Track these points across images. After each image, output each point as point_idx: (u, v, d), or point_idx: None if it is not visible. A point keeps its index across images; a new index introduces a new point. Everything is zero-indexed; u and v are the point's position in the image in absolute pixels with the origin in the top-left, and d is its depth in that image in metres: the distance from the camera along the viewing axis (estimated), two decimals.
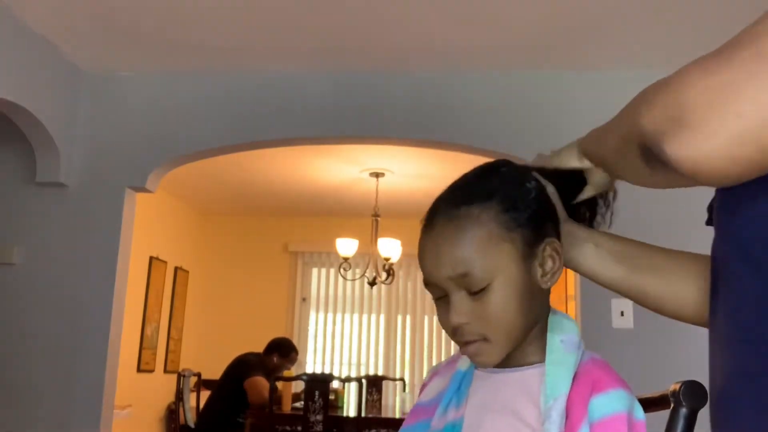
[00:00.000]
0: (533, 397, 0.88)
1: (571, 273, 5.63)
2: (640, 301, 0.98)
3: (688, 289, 0.92)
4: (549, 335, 0.92)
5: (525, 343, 0.92)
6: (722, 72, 0.58)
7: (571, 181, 0.99)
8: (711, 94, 0.58)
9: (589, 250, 0.98)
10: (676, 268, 0.95)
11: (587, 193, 1.00)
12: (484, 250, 0.87)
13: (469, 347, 0.90)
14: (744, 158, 0.58)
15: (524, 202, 0.91)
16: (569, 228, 0.99)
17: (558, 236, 0.95)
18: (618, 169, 0.81)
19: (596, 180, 0.98)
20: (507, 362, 0.92)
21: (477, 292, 0.88)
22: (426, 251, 0.91)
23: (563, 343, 0.90)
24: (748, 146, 0.57)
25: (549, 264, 0.91)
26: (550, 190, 0.98)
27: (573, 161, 0.97)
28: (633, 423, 0.84)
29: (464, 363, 0.98)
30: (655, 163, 0.64)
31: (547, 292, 0.94)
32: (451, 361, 1.02)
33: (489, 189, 0.91)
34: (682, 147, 0.60)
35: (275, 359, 5.15)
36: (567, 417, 0.84)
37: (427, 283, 0.92)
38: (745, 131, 0.56)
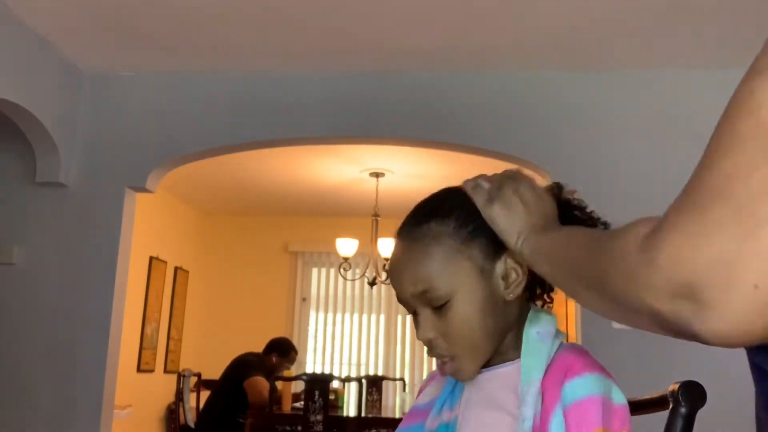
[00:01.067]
0: (514, 388, 0.89)
1: None
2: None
3: None
4: (526, 328, 0.93)
5: (506, 346, 0.94)
6: (717, 241, 0.54)
7: None
8: (718, 269, 0.54)
9: None
10: None
11: None
12: (443, 266, 0.89)
13: (445, 368, 0.93)
14: None
15: (483, 217, 0.91)
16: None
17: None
18: (601, 312, 0.73)
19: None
20: (491, 361, 0.94)
21: (439, 308, 0.90)
22: (392, 270, 0.94)
23: (539, 334, 0.92)
24: None
25: (513, 276, 0.92)
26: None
27: (509, 243, 0.89)
28: (612, 407, 0.84)
29: None
30: (679, 336, 0.60)
31: (517, 300, 0.94)
32: None
33: (449, 206, 0.93)
34: (710, 325, 0.56)
35: (274, 359, 5.15)
36: (542, 401, 0.85)
37: (399, 300, 0.95)
38: (766, 298, 0.53)
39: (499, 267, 0.91)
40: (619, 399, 0.86)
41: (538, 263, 0.85)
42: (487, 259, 0.91)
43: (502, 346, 0.94)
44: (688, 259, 0.55)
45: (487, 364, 0.94)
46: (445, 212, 0.92)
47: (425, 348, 0.95)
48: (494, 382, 0.93)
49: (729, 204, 0.54)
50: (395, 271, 0.93)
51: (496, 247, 0.91)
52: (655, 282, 0.58)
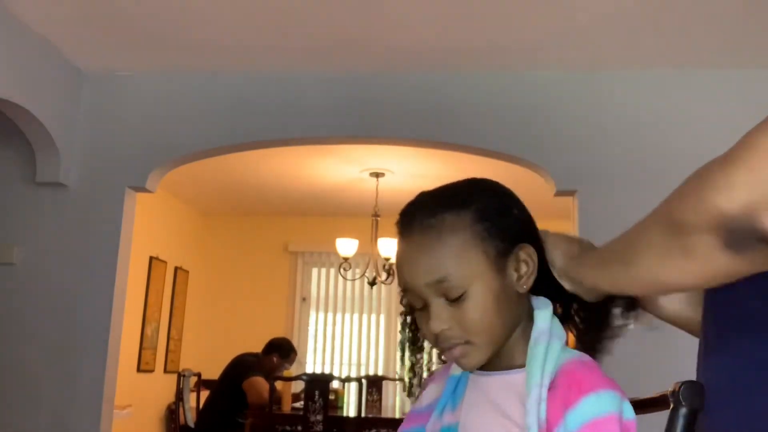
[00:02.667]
0: (521, 396, 0.88)
1: None
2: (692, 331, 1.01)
3: None
4: (532, 333, 0.93)
5: (511, 346, 0.93)
6: None
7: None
8: None
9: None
10: None
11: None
12: (459, 257, 0.89)
13: (453, 351, 0.91)
14: None
15: (499, 215, 0.92)
16: None
17: (536, 249, 0.95)
18: (642, 284, 0.82)
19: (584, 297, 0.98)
20: (496, 365, 0.93)
21: (455, 299, 0.89)
22: (403, 259, 0.92)
23: (535, 339, 0.91)
24: None
25: (524, 268, 0.92)
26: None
27: (556, 275, 0.97)
28: (623, 423, 0.84)
29: (458, 368, 0.98)
30: (745, 245, 0.64)
31: (525, 294, 0.94)
32: (446, 367, 1.02)
33: (466, 198, 0.93)
34: None
35: (275, 360, 5.15)
36: (546, 415, 0.84)
37: (406, 291, 0.93)
38: None
39: (512, 259, 0.92)
40: (630, 415, 0.85)
41: (595, 277, 0.91)
42: (501, 253, 0.91)
43: (509, 344, 0.93)
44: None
45: (495, 367, 0.93)
46: (462, 205, 0.91)
47: (426, 349, 0.95)
48: (500, 388, 0.92)
49: None
50: (407, 259, 0.91)
51: (510, 242, 0.92)
52: (735, 181, 0.62)
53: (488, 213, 0.91)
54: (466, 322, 0.89)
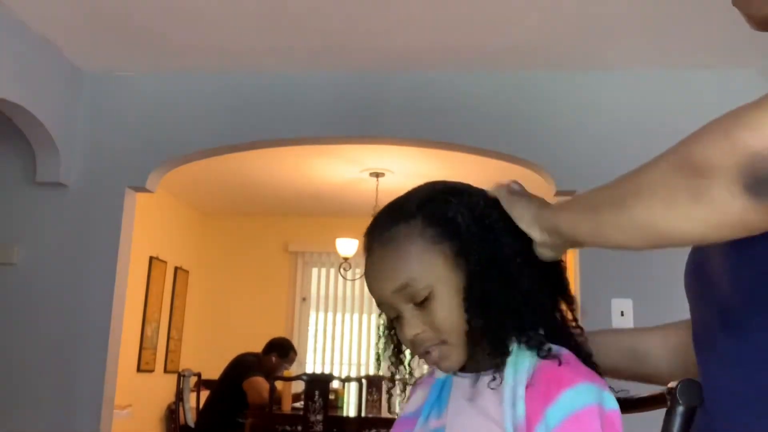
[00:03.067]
0: (502, 397, 0.88)
1: (571, 270, 5.62)
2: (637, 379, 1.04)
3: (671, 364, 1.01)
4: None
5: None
6: None
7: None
8: None
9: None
10: (659, 350, 1.03)
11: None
12: (418, 261, 0.92)
13: (431, 354, 0.93)
14: None
15: (446, 220, 0.94)
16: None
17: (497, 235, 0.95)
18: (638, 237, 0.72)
19: (544, 254, 0.92)
20: (476, 366, 0.94)
21: (422, 303, 0.92)
22: (369, 274, 0.97)
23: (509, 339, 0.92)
24: None
25: None
26: None
27: (525, 226, 0.91)
28: (605, 414, 0.83)
29: (442, 372, 0.98)
30: (766, 191, 0.60)
31: None
32: (432, 371, 1.03)
33: (413, 208, 0.96)
34: None
35: (274, 359, 5.15)
36: (526, 415, 0.84)
37: (379, 304, 0.97)
38: None
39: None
40: (611, 405, 0.85)
41: (585, 227, 0.81)
42: (459, 251, 0.92)
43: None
44: None
45: (475, 368, 0.94)
46: (410, 214, 0.95)
47: (410, 350, 0.97)
48: (481, 389, 0.92)
49: None
50: (372, 273, 0.96)
51: (464, 240, 0.93)
52: (762, 122, 0.60)
53: (436, 219, 0.94)
54: (437, 322, 0.91)
